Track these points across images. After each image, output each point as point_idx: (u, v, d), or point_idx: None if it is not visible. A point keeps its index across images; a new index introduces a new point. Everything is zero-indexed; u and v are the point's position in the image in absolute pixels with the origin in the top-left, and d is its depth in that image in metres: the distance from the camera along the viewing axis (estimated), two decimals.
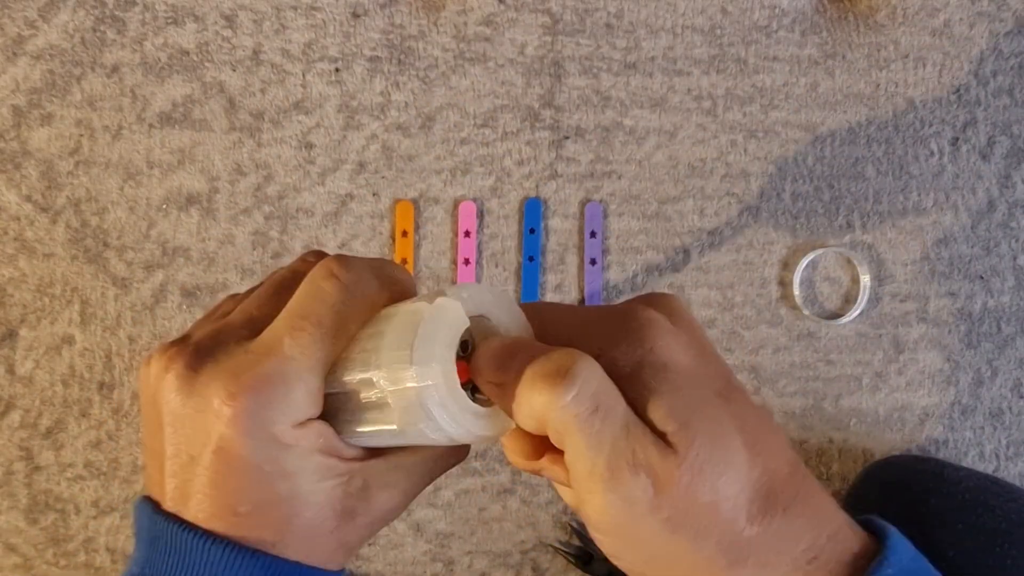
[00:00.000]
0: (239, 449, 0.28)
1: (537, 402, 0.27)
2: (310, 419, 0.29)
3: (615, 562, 0.30)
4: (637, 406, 0.28)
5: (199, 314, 0.68)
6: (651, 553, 0.28)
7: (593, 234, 0.67)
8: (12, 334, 0.68)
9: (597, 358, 0.27)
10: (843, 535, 0.29)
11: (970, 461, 0.68)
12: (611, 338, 0.28)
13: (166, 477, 0.30)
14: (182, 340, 0.30)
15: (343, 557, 0.31)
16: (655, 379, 0.28)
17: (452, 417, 0.28)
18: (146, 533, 0.30)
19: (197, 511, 0.29)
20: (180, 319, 0.68)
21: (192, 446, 0.29)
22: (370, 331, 0.29)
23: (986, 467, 0.68)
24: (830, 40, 0.69)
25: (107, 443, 0.68)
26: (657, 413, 0.27)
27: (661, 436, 0.27)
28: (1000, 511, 0.54)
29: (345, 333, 0.29)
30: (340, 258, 0.30)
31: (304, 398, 0.28)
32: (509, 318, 0.29)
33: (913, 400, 0.68)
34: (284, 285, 0.31)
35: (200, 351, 0.29)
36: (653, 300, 0.30)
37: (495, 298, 0.29)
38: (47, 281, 0.68)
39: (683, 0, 0.68)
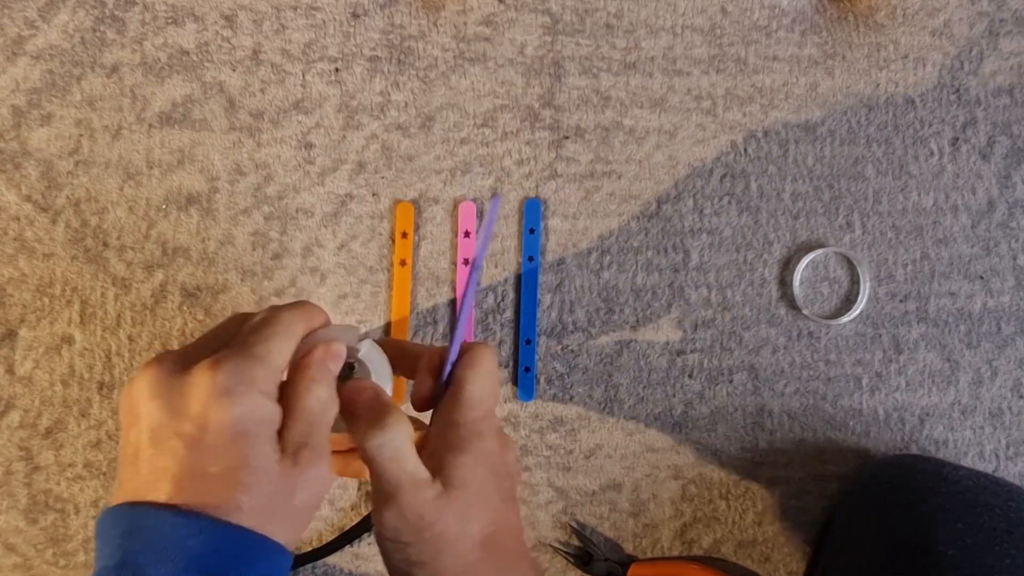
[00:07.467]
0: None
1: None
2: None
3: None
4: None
5: (199, 314, 0.68)
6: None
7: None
8: (12, 334, 0.68)
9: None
10: None
11: (970, 461, 0.68)
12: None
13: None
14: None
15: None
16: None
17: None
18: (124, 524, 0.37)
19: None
20: (180, 319, 0.68)
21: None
22: None
23: (986, 467, 0.68)
24: (830, 40, 0.69)
25: (107, 443, 0.68)
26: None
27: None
28: (1000, 511, 0.54)
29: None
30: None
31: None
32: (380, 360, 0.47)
33: (913, 400, 0.68)
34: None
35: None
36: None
37: (373, 349, 0.46)
38: (47, 281, 0.68)
39: (683, 0, 0.68)
